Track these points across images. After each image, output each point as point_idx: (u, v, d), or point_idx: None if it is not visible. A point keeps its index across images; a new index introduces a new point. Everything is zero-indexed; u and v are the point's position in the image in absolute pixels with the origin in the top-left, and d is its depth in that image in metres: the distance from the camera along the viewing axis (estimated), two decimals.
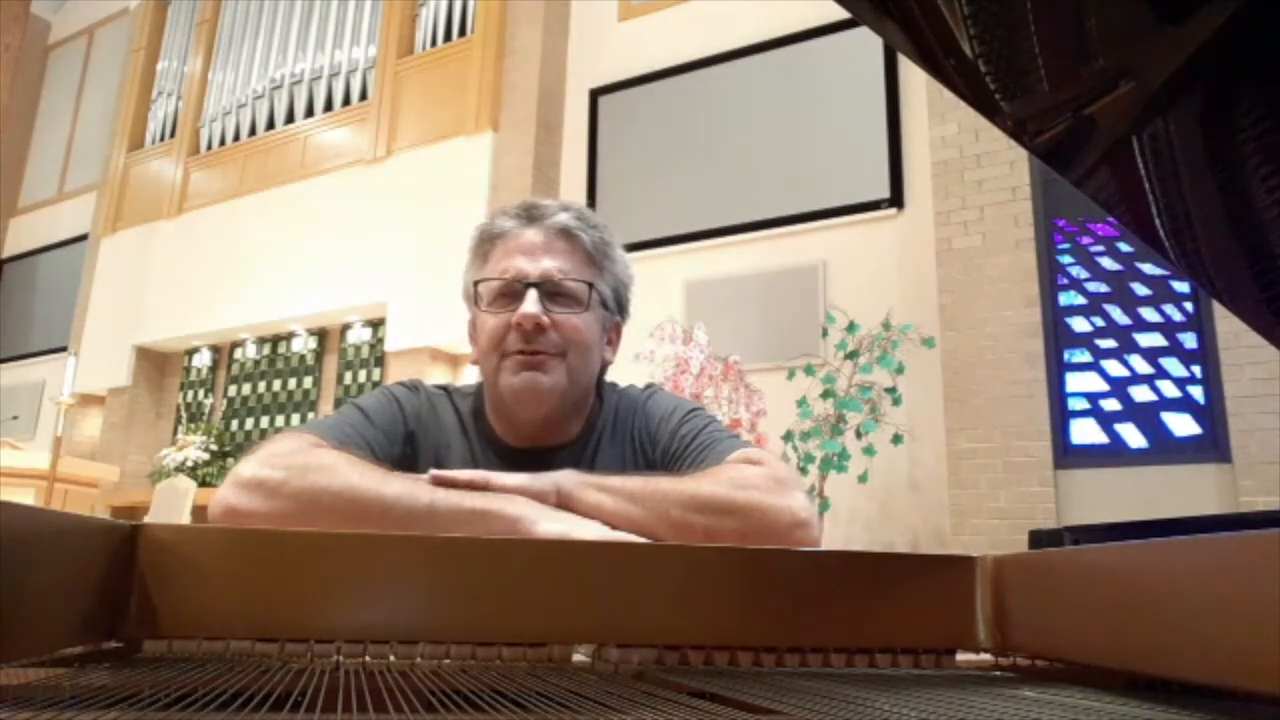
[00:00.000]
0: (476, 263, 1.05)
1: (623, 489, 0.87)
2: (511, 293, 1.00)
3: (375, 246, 6.21)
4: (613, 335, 1.09)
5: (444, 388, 1.11)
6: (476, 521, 0.81)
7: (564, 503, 0.87)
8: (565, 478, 0.88)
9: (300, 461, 0.85)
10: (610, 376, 1.14)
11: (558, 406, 1.01)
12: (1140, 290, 4.04)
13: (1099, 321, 4.09)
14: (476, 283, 1.02)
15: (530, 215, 1.03)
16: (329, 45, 6.98)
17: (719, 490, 0.87)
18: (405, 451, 1.01)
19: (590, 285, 1.01)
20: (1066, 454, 4.03)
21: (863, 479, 4.10)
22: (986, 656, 0.67)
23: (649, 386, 1.16)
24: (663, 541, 0.82)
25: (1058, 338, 4.14)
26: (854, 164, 4.99)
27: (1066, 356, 4.13)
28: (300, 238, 6.65)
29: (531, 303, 0.97)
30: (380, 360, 6.36)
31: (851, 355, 4.22)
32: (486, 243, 1.04)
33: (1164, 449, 3.87)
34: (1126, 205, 0.44)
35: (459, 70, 6.28)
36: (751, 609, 0.62)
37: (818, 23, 5.17)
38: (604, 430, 1.07)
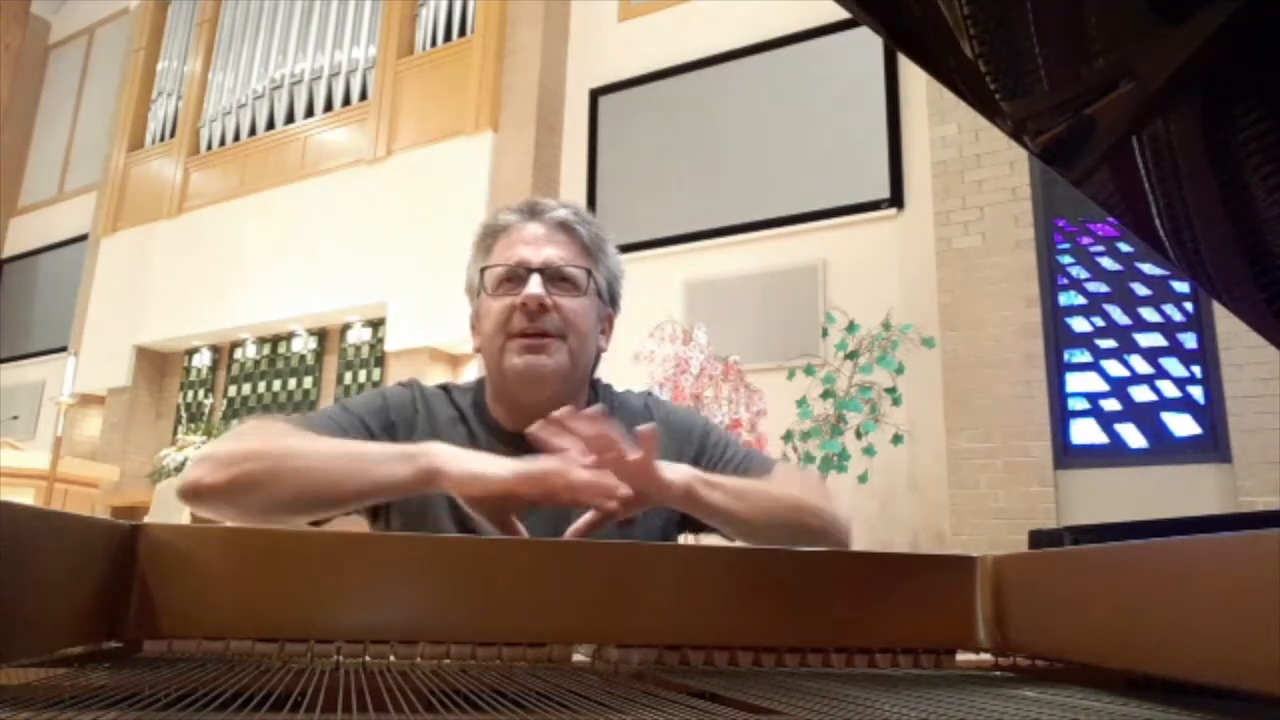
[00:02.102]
0: (479, 255, 1.11)
1: (733, 488, 0.95)
2: (515, 278, 1.05)
3: (375, 246, 6.21)
4: (606, 325, 1.14)
5: (443, 386, 1.14)
6: (394, 461, 0.86)
7: (691, 497, 0.91)
8: (693, 474, 0.92)
9: (245, 430, 0.95)
10: (609, 379, 1.18)
11: (559, 388, 1.04)
12: (1140, 290, 4.04)
13: (1099, 321, 4.09)
14: (483, 270, 1.08)
15: (532, 211, 1.10)
16: (329, 45, 6.98)
17: (810, 499, 0.99)
18: (384, 440, 1.03)
19: (589, 272, 1.08)
20: (1066, 454, 4.03)
21: (863, 479, 4.10)
22: (986, 656, 0.67)
23: (646, 393, 1.22)
24: (753, 538, 0.91)
25: (1058, 338, 4.14)
26: (854, 164, 4.99)
27: (1066, 356, 4.12)
28: (300, 238, 6.65)
29: (535, 285, 1.03)
30: (380, 360, 6.36)
31: (851, 355, 4.22)
32: (490, 236, 1.10)
33: (1164, 449, 3.87)
34: (1126, 205, 0.44)
35: (459, 70, 6.28)
36: (751, 609, 0.62)
37: (818, 23, 5.17)
38: None
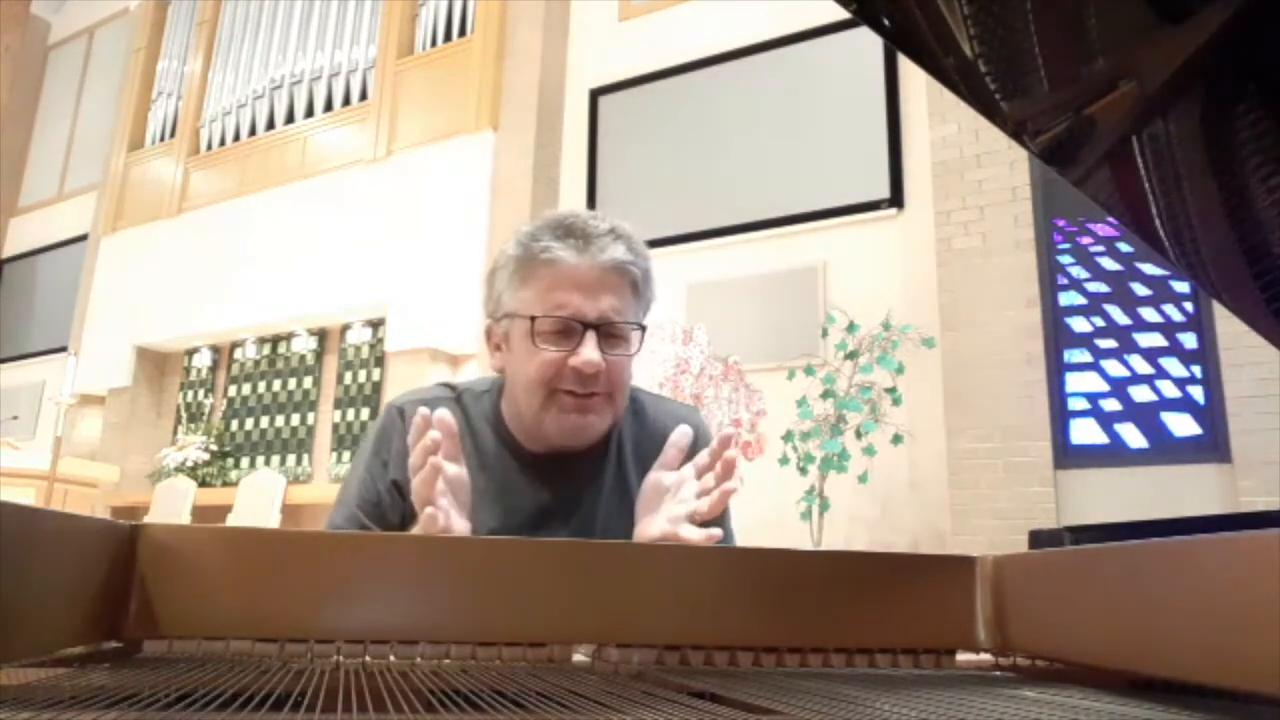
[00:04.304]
0: (516, 280, 1.02)
1: None
2: (566, 329, 0.99)
3: (375, 246, 6.21)
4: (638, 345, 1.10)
5: (455, 390, 1.10)
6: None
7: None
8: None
9: None
10: None
11: (596, 438, 1.05)
12: (1140, 290, 4.04)
13: (1099, 321, 4.09)
14: (533, 318, 1.00)
15: (583, 244, 1.00)
16: (329, 45, 6.98)
17: None
18: (394, 496, 1.02)
19: (641, 328, 1.03)
20: (1066, 454, 4.03)
21: (863, 479, 4.10)
22: (986, 656, 0.67)
23: (691, 407, 1.20)
24: None
25: (1058, 338, 4.14)
26: (854, 164, 4.99)
27: (1066, 356, 4.12)
28: (300, 238, 6.65)
29: (591, 348, 0.98)
30: (380, 360, 6.35)
31: (851, 355, 4.22)
32: (532, 265, 1.01)
33: (1164, 449, 3.86)
34: (1126, 205, 0.44)
35: (459, 70, 6.28)
36: (751, 609, 0.62)
37: (818, 23, 5.17)
38: (624, 437, 1.09)
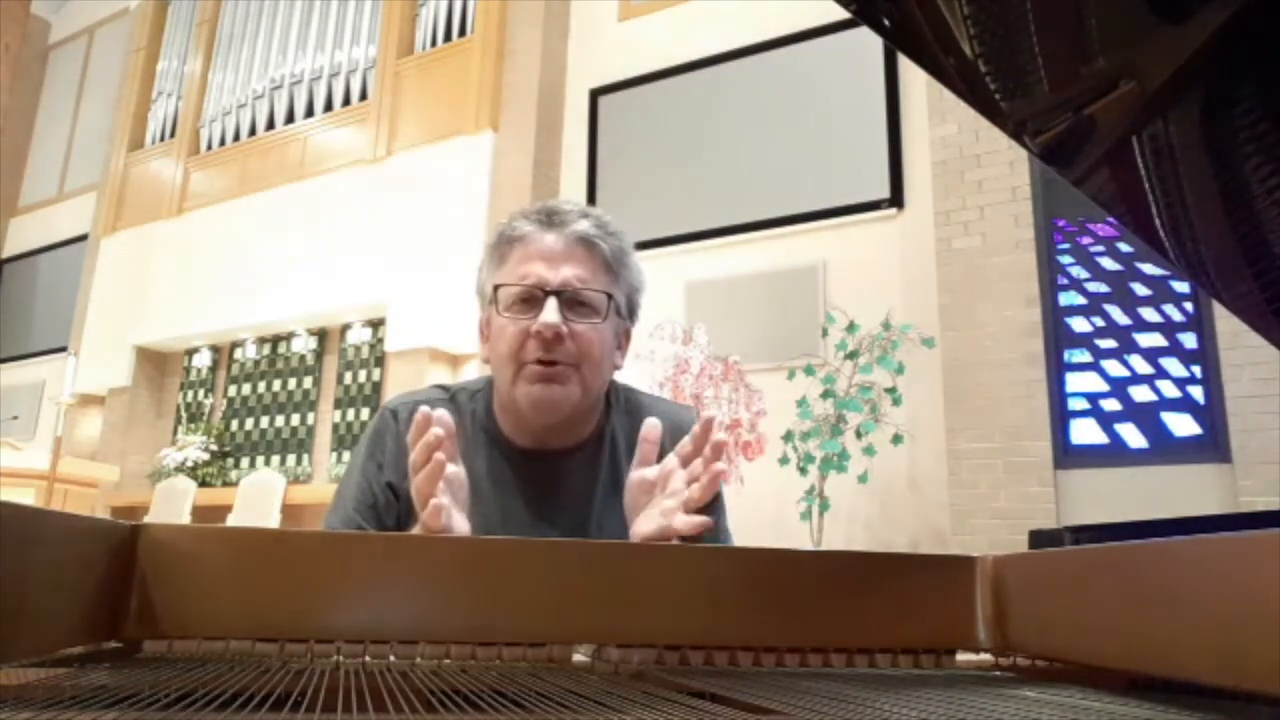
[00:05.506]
0: (493, 263, 1.05)
1: None
2: (530, 299, 1.00)
3: (375, 246, 6.21)
4: (623, 340, 1.09)
5: (448, 391, 1.10)
6: None
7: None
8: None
9: None
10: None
11: (570, 415, 1.02)
12: (1140, 290, 4.04)
13: (1099, 321, 4.09)
14: (496, 287, 1.01)
15: (550, 220, 1.03)
16: (329, 45, 6.98)
17: None
18: (389, 498, 1.02)
19: (609, 296, 1.02)
20: (1066, 454, 4.03)
21: (863, 479, 4.10)
22: (986, 656, 0.67)
23: (688, 407, 1.19)
24: None
25: (1058, 338, 4.14)
26: (854, 164, 4.99)
27: (1066, 356, 4.12)
28: (300, 238, 6.65)
29: (551, 311, 0.97)
30: (380, 360, 6.36)
31: (851, 355, 4.22)
32: (505, 245, 1.04)
33: (1164, 449, 3.86)
34: (1126, 205, 0.44)
35: (459, 70, 6.28)
36: (751, 609, 0.62)
37: (818, 23, 5.17)
38: (617, 435, 1.08)
